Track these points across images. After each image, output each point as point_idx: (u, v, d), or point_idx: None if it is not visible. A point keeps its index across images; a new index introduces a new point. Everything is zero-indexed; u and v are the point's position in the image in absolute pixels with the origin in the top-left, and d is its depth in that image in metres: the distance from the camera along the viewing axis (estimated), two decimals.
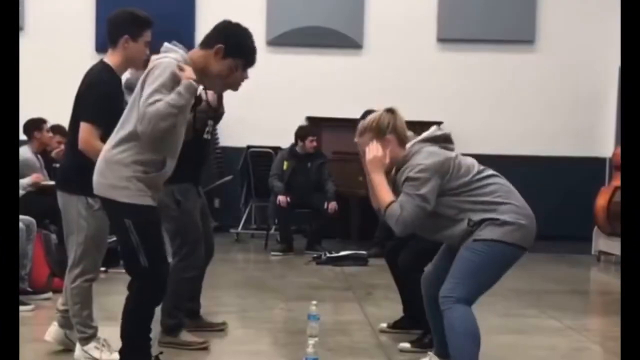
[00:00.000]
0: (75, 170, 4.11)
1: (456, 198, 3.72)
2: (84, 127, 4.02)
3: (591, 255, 9.14)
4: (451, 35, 10.54)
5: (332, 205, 8.77)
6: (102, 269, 7.01)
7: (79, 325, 4.24)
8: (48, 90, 9.12)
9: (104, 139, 3.95)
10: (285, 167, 9.03)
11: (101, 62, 4.20)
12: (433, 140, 3.86)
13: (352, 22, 10.52)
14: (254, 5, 10.33)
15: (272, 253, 8.81)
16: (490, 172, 3.86)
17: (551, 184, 10.37)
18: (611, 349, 5.03)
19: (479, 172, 3.80)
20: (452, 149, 3.90)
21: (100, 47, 10.31)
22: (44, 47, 9.94)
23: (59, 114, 7.82)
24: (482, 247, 3.67)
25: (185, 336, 4.71)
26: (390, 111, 3.88)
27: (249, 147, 9.78)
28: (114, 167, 3.54)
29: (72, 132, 4.14)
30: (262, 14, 10.42)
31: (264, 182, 9.37)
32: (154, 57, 3.63)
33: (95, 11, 10.31)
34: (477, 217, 3.68)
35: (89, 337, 4.24)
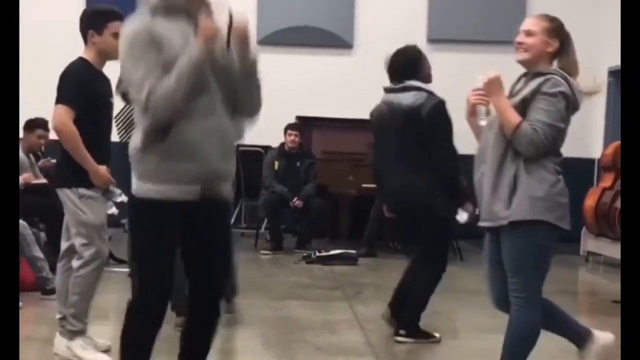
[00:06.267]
0: (65, 164, 4.19)
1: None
2: (58, 108, 4.12)
3: (579, 256, 9.18)
4: (441, 35, 10.55)
5: (298, 203, 8.80)
6: None
7: (72, 317, 4.18)
8: (39, 88, 9.07)
9: (79, 123, 4.08)
10: (276, 167, 9.02)
11: (77, 58, 4.33)
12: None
13: (343, 21, 10.53)
14: (244, 5, 10.29)
15: (262, 252, 8.81)
16: None
17: None
18: None
19: None
20: None
21: None
22: (37, 46, 9.89)
23: (49, 113, 7.82)
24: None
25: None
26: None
27: (238, 146, 9.75)
28: None
29: None
30: (252, 13, 10.40)
31: (253, 181, 9.36)
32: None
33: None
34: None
35: (77, 332, 4.19)
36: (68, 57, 4.46)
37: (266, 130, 10.10)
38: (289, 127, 9.16)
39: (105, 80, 4.37)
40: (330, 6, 10.48)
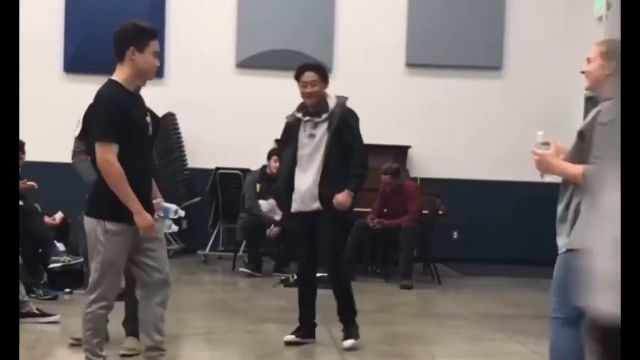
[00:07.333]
0: (97, 194, 4.08)
1: None
2: (97, 147, 3.99)
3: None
4: (420, 60, 10.63)
5: (275, 231, 8.72)
6: (67, 290, 6.97)
7: (88, 352, 4.14)
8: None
9: (120, 155, 3.96)
10: (258, 189, 8.97)
11: (107, 81, 4.15)
12: None
13: (322, 45, 10.58)
14: (223, 28, 10.34)
15: (241, 269, 8.76)
16: None
17: (517, 209, 10.46)
18: None
19: None
20: None
21: (69, 67, 10.25)
22: None
23: (25, 134, 7.78)
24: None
25: None
26: None
27: (217, 168, 9.77)
28: None
29: (94, 157, 4.08)
30: (232, 36, 10.44)
31: (232, 203, 9.32)
32: None
33: (63, 29, 10.26)
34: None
35: None
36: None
37: (245, 153, 10.16)
38: (274, 152, 9.05)
39: (138, 102, 4.21)
40: (310, 30, 10.53)
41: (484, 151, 10.64)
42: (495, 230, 10.36)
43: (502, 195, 10.51)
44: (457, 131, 10.64)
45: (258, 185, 8.98)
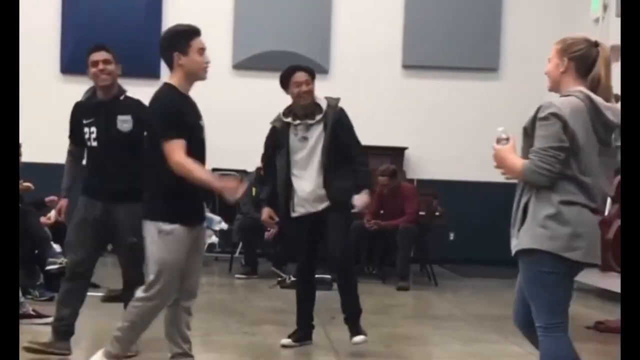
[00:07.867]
0: (151, 196, 4.08)
1: None
2: (166, 147, 3.96)
3: None
4: (416, 62, 10.64)
5: (270, 234, 8.71)
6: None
7: (116, 340, 4.10)
8: None
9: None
10: (254, 193, 8.95)
11: (164, 84, 4.15)
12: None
13: (319, 47, 10.59)
14: (221, 29, 10.35)
15: (237, 276, 8.77)
16: None
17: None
18: None
19: None
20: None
21: (66, 69, 10.23)
22: None
23: (22, 135, 7.78)
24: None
25: None
26: (594, 44, 3.47)
27: (214, 169, 9.75)
28: None
29: (149, 160, 4.08)
30: (228, 37, 10.44)
31: (228, 205, 9.31)
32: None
33: (60, 31, 10.25)
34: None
35: (113, 356, 4.12)
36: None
37: (242, 154, 10.15)
38: None
39: (192, 105, 4.22)
40: (306, 31, 10.54)
41: (481, 152, 10.57)
42: (492, 232, 10.32)
43: (499, 197, 10.44)
44: (453, 132, 10.65)
45: (254, 189, 8.95)
